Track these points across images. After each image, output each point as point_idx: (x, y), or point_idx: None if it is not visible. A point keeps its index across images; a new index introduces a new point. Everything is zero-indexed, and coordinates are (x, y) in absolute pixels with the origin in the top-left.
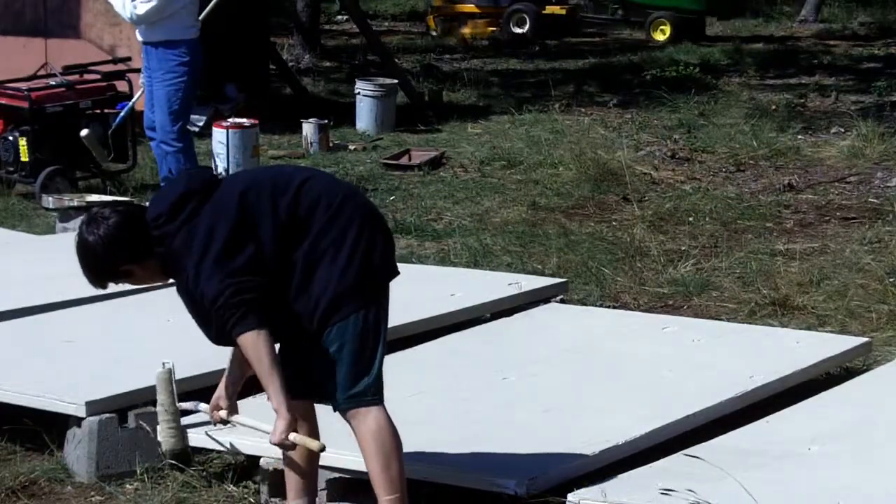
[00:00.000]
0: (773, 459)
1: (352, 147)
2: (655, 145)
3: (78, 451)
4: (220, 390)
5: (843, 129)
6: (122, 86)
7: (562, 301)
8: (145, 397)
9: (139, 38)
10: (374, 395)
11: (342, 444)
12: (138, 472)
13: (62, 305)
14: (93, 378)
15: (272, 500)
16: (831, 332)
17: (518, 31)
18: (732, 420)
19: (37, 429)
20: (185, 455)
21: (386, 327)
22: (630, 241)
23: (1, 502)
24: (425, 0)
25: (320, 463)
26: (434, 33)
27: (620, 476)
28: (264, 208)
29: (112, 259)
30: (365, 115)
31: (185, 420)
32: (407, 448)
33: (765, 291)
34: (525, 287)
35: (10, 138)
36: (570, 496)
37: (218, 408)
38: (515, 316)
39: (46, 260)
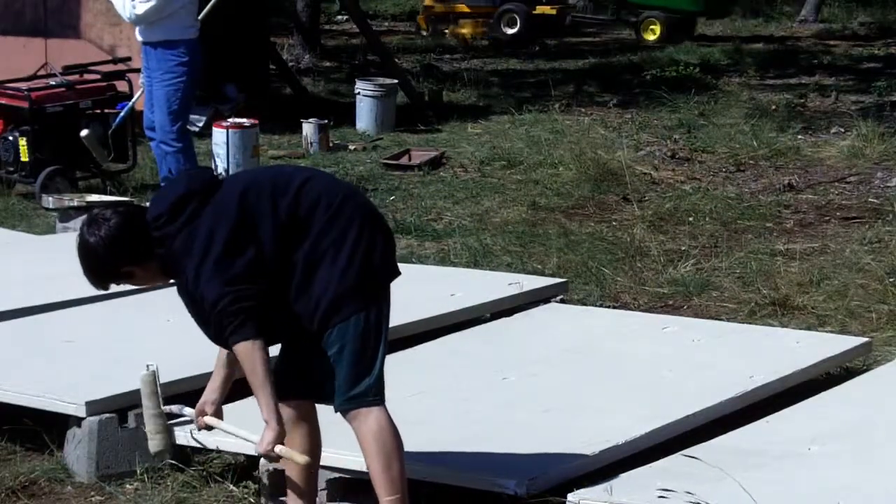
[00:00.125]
0: (772, 459)
1: (352, 147)
2: (655, 145)
3: (78, 451)
4: (206, 395)
5: (843, 129)
6: (122, 86)
7: (562, 301)
8: None
9: (138, 38)
10: (375, 396)
11: (342, 444)
12: (138, 471)
13: (62, 305)
14: (93, 378)
15: (272, 500)
16: (831, 332)
17: (509, 31)
18: (732, 420)
19: (37, 429)
20: (185, 455)
21: (387, 328)
22: (630, 241)
23: (1, 502)
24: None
25: (320, 463)
26: (424, 33)
27: (620, 476)
28: (264, 208)
29: (113, 260)
30: (365, 115)
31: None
32: (407, 448)
33: (765, 291)
34: (525, 287)
35: (10, 138)
36: (570, 496)
37: (203, 413)
38: (515, 316)
39: (46, 260)
